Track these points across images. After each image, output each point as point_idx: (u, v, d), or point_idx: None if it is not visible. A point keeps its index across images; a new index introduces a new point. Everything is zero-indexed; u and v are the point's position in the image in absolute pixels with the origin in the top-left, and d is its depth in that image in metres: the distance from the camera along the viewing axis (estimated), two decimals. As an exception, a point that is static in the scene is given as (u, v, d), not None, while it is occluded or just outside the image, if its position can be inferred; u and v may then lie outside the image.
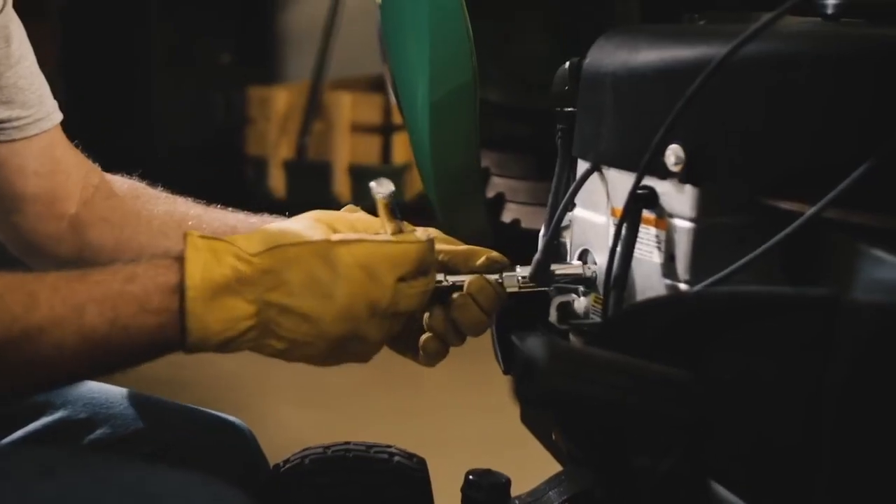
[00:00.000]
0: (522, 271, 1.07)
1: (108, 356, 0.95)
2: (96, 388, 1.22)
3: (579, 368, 0.70)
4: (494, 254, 1.09)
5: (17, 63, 1.20)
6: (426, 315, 1.08)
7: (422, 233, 1.07)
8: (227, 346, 0.96)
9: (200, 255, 0.95)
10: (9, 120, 1.20)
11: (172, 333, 0.94)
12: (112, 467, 1.01)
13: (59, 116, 1.27)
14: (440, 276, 1.06)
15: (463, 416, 2.81)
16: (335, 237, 1.00)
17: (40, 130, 1.23)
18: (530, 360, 0.69)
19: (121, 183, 1.32)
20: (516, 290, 1.07)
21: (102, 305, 0.93)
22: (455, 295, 1.07)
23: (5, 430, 1.17)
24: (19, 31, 1.21)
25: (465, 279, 1.07)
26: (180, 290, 0.93)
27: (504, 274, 1.07)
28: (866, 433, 0.71)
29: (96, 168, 1.31)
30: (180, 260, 0.95)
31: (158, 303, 0.94)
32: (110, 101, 4.25)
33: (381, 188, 1.07)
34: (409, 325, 1.07)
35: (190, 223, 1.25)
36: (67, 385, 1.08)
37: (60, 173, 1.25)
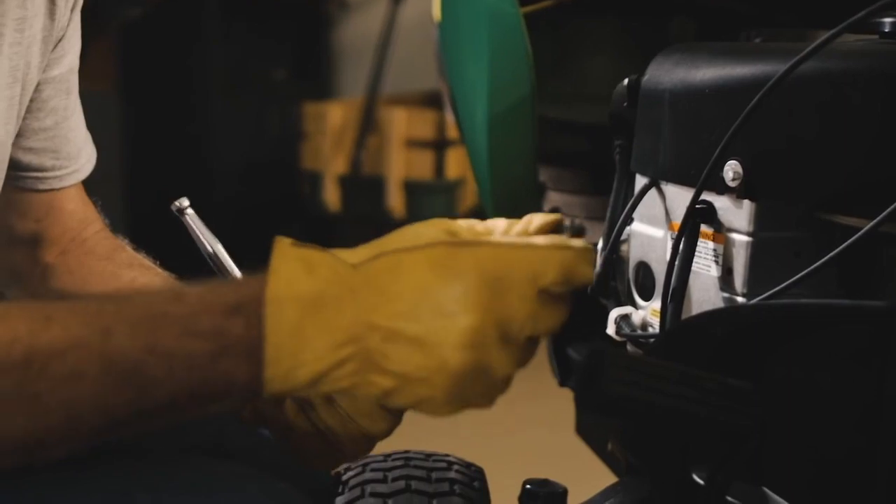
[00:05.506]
0: None
1: (145, 394, 0.75)
2: None
3: (640, 377, 0.72)
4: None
5: (73, 115, 1.19)
6: None
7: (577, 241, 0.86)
8: (316, 384, 0.77)
9: (288, 264, 0.77)
10: (53, 168, 1.18)
11: (237, 367, 0.76)
12: (173, 460, 0.93)
13: (88, 170, 1.24)
14: None
15: (519, 427, 2.82)
16: (457, 241, 0.81)
17: (75, 182, 1.22)
18: (593, 368, 0.71)
19: (106, 242, 1.25)
20: None
21: (136, 327, 0.75)
22: None
23: None
24: (76, 85, 1.20)
25: None
26: (249, 308, 0.76)
27: None
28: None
29: (97, 222, 1.27)
30: (253, 276, 0.78)
31: (210, 325, 0.75)
32: (167, 119, 4.30)
33: None
34: None
35: None
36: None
37: (57, 224, 1.22)
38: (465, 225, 0.88)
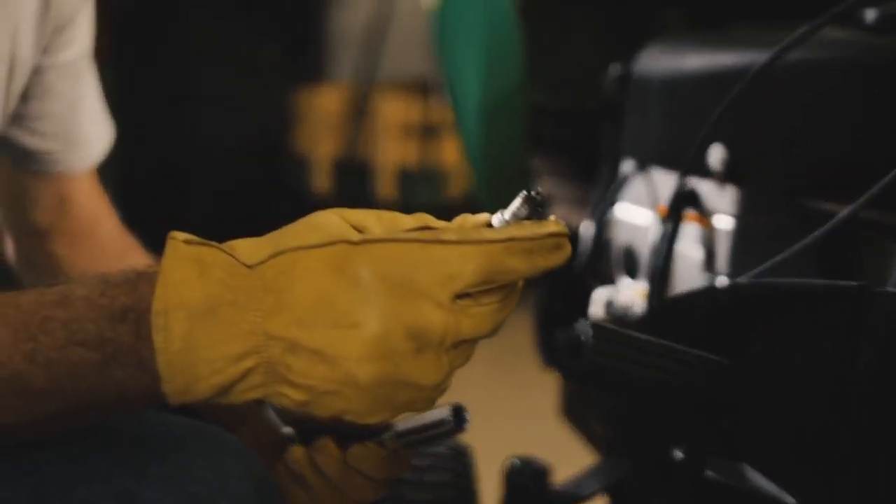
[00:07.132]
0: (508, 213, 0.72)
1: (32, 404, 0.70)
2: None
3: (622, 349, 0.75)
4: None
5: (83, 100, 1.15)
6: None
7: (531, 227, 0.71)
8: (222, 396, 0.69)
9: (178, 266, 0.69)
10: (61, 152, 1.14)
11: (129, 378, 0.69)
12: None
13: (99, 156, 1.19)
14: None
15: (507, 413, 2.86)
16: (358, 237, 0.70)
17: (85, 166, 1.17)
18: (578, 339, 0.74)
19: (118, 242, 1.19)
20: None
21: (18, 334, 0.68)
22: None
23: None
24: (88, 70, 1.15)
25: None
26: (137, 315, 0.68)
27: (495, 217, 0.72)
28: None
29: (111, 218, 1.21)
30: (144, 275, 0.69)
31: (95, 332, 0.68)
32: (157, 100, 4.30)
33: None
34: None
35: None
36: None
37: (67, 216, 1.18)
38: (374, 212, 0.74)
